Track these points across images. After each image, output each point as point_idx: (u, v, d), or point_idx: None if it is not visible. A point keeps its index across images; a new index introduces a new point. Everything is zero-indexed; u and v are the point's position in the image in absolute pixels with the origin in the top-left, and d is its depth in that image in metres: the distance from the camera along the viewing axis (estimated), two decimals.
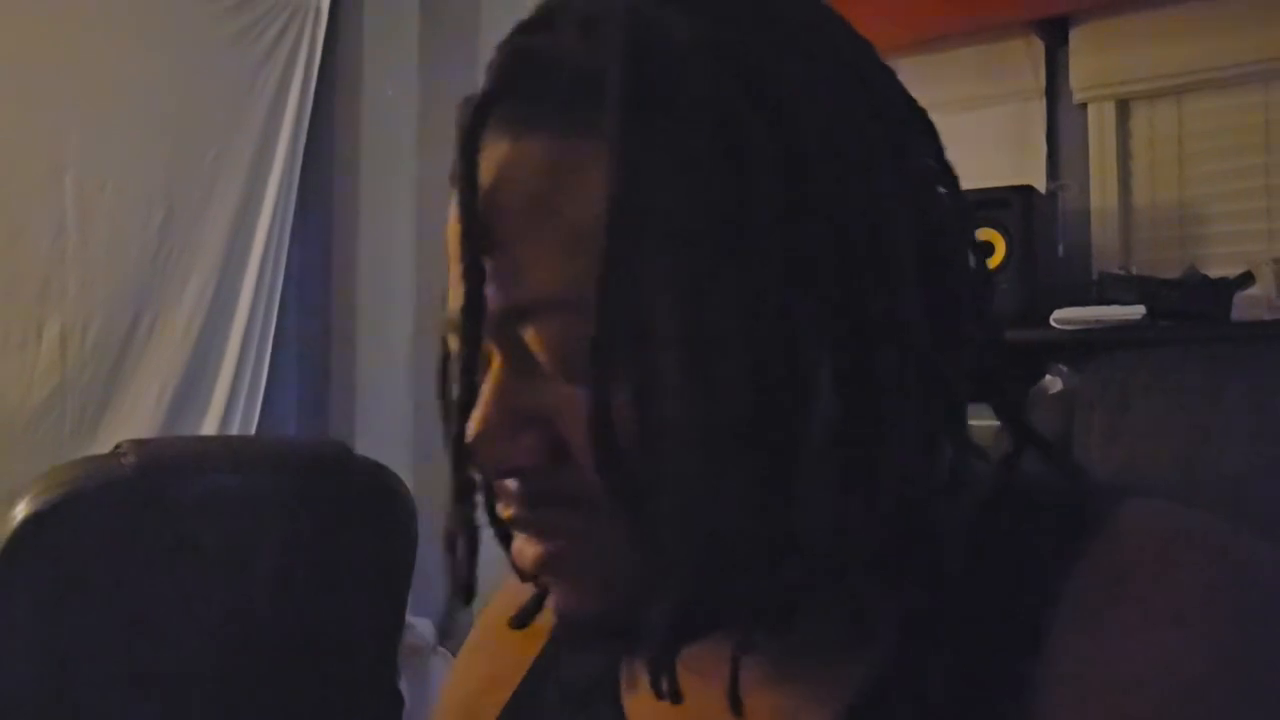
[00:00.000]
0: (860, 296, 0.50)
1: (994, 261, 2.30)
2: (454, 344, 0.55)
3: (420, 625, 2.48)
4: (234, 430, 3.13)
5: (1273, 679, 0.48)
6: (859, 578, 0.54)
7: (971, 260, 0.57)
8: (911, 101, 0.57)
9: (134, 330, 3.00)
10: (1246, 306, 2.14)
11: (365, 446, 1.93)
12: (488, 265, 0.52)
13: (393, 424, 3.07)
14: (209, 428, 3.09)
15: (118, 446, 1.43)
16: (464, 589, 0.58)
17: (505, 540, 0.59)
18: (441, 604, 2.45)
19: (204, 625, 1.47)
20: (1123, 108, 2.52)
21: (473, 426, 0.53)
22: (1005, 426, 0.58)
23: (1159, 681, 0.48)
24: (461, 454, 0.54)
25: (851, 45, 0.56)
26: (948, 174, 0.57)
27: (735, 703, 0.53)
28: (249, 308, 3.18)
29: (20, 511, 1.32)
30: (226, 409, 3.14)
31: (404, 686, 1.90)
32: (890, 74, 0.57)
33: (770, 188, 0.49)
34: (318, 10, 3.29)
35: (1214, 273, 2.22)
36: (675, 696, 0.52)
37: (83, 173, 2.90)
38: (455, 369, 0.55)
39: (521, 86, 0.52)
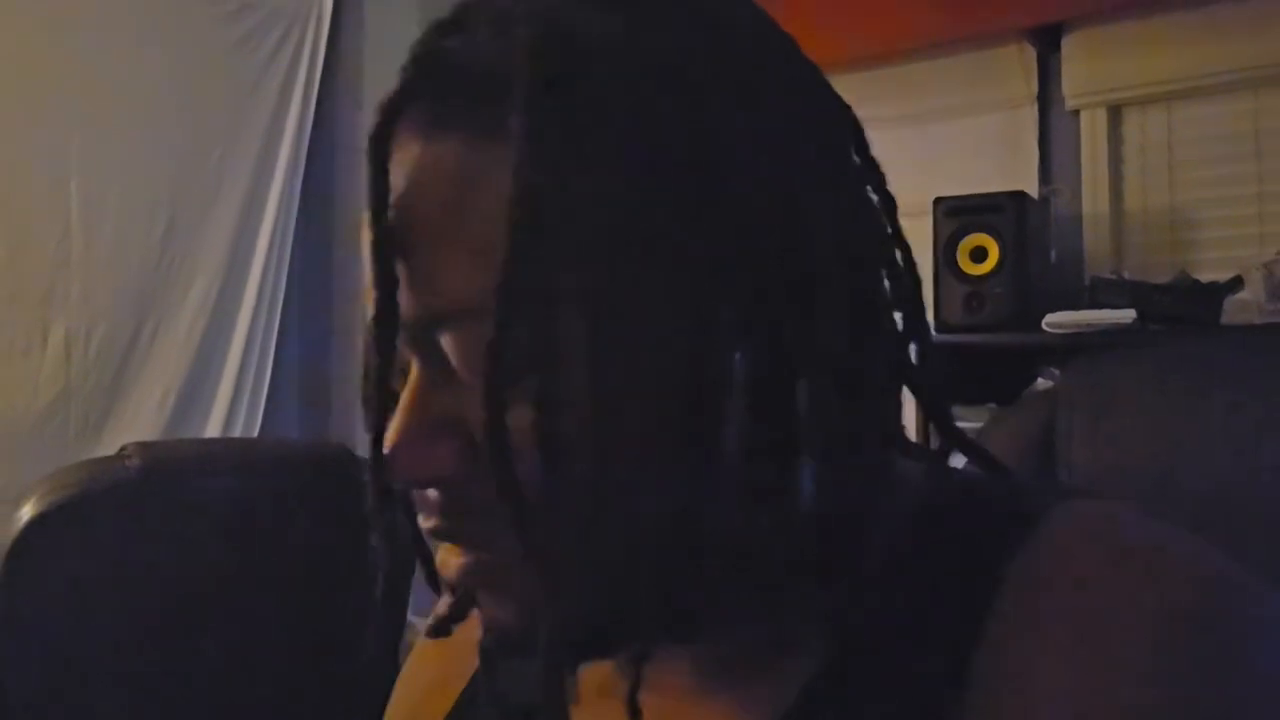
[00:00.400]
0: (776, 303, 0.49)
1: (987, 266, 2.31)
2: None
3: (421, 624, 2.48)
4: (237, 433, 3.14)
5: (1187, 689, 0.46)
6: (784, 586, 0.52)
7: (897, 258, 0.56)
8: (834, 98, 0.56)
9: (138, 335, 3.01)
10: (1237, 310, 2.15)
11: (366, 448, 1.93)
12: (402, 271, 0.50)
13: None
14: (212, 430, 3.10)
15: (122, 449, 1.44)
16: (396, 600, 0.57)
17: (426, 559, 0.57)
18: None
19: (207, 624, 1.47)
20: (1114, 114, 2.53)
21: (391, 435, 0.51)
22: (936, 427, 0.58)
23: (1074, 693, 0.46)
24: (380, 464, 0.52)
25: (772, 41, 0.55)
26: (873, 171, 0.56)
27: (634, 711, 0.52)
28: (252, 312, 3.19)
29: (26, 513, 1.32)
30: (229, 412, 3.15)
31: None
32: (813, 70, 0.55)
33: (679, 193, 0.48)
34: (319, 17, 3.30)
35: (1205, 277, 2.24)
36: (562, 714, 0.50)
37: (87, 179, 2.91)
38: (371, 377, 0.53)
39: (433, 87, 0.51)
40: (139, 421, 2.98)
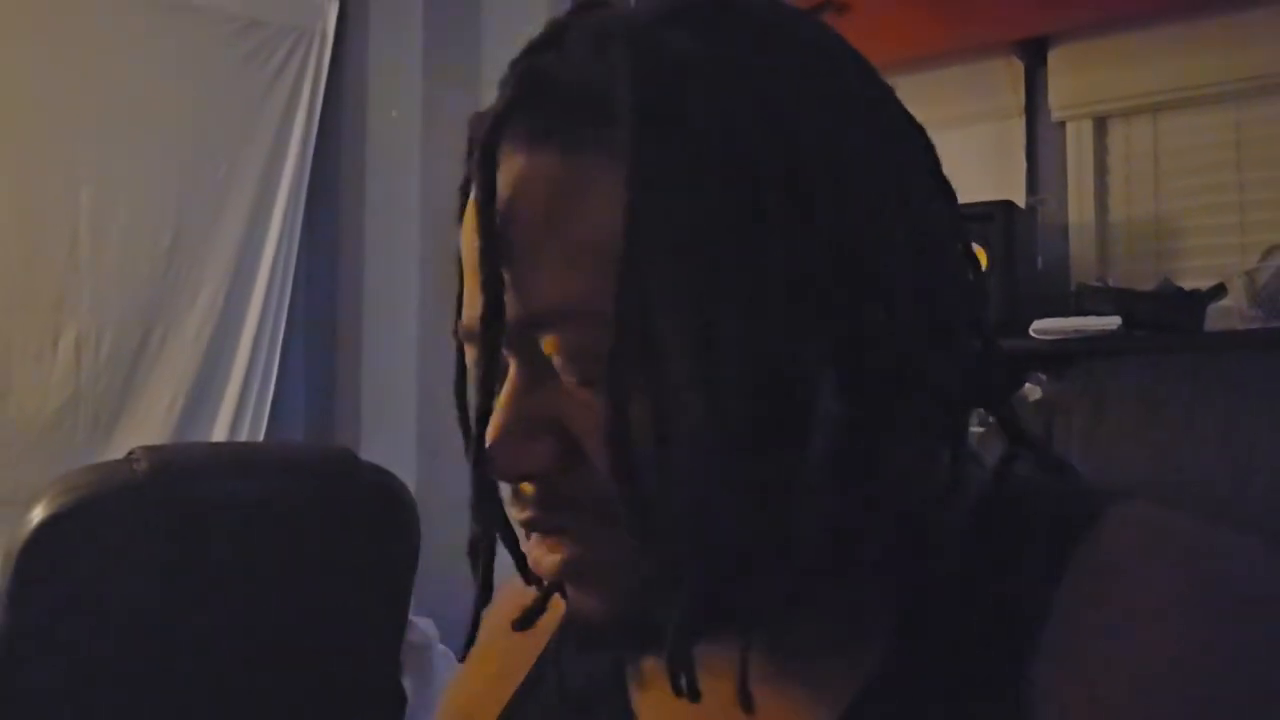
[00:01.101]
0: (860, 309, 0.51)
1: None
2: (470, 353, 0.55)
3: (422, 624, 2.47)
4: (243, 437, 3.16)
5: (1246, 676, 0.48)
6: (860, 578, 0.55)
7: (967, 272, 0.58)
8: (909, 118, 0.58)
9: (146, 340, 3.03)
10: (1219, 317, 2.15)
11: (370, 452, 1.96)
12: (505, 276, 0.52)
13: (397, 430, 3.09)
14: (219, 434, 3.12)
15: (131, 452, 1.45)
16: (484, 590, 0.59)
17: (516, 549, 0.60)
18: (443, 603, 2.46)
19: (214, 625, 1.48)
20: (1100, 125, 2.54)
21: (491, 433, 0.53)
22: (1000, 431, 0.59)
23: (1137, 681, 0.48)
24: (481, 459, 0.54)
25: (852, 64, 0.57)
26: (944, 188, 0.58)
27: (746, 699, 0.52)
28: (257, 319, 3.21)
29: (37, 515, 1.33)
30: (236, 416, 3.16)
31: (407, 683, 1.92)
32: (889, 91, 0.58)
33: (772, 204, 0.50)
34: (324, 33, 3.32)
35: (1188, 285, 2.24)
36: (695, 695, 0.51)
37: (97, 189, 2.94)
38: (473, 377, 0.55)
39: (534, 103, 0.53)
40: (147, 425, 3.00)
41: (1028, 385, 2.23)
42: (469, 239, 0.53)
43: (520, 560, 0.60)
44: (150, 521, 1.42)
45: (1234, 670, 0.48)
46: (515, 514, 0.57)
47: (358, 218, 3.38)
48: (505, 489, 0.58)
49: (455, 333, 0.58)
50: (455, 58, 3.09)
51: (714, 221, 0.50)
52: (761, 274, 0.50)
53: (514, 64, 0.55)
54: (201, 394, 3.13)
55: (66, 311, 2.92)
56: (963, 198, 2.06)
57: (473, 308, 0.54)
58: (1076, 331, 2.20)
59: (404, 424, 3.10)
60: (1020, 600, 0.52)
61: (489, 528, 0.58)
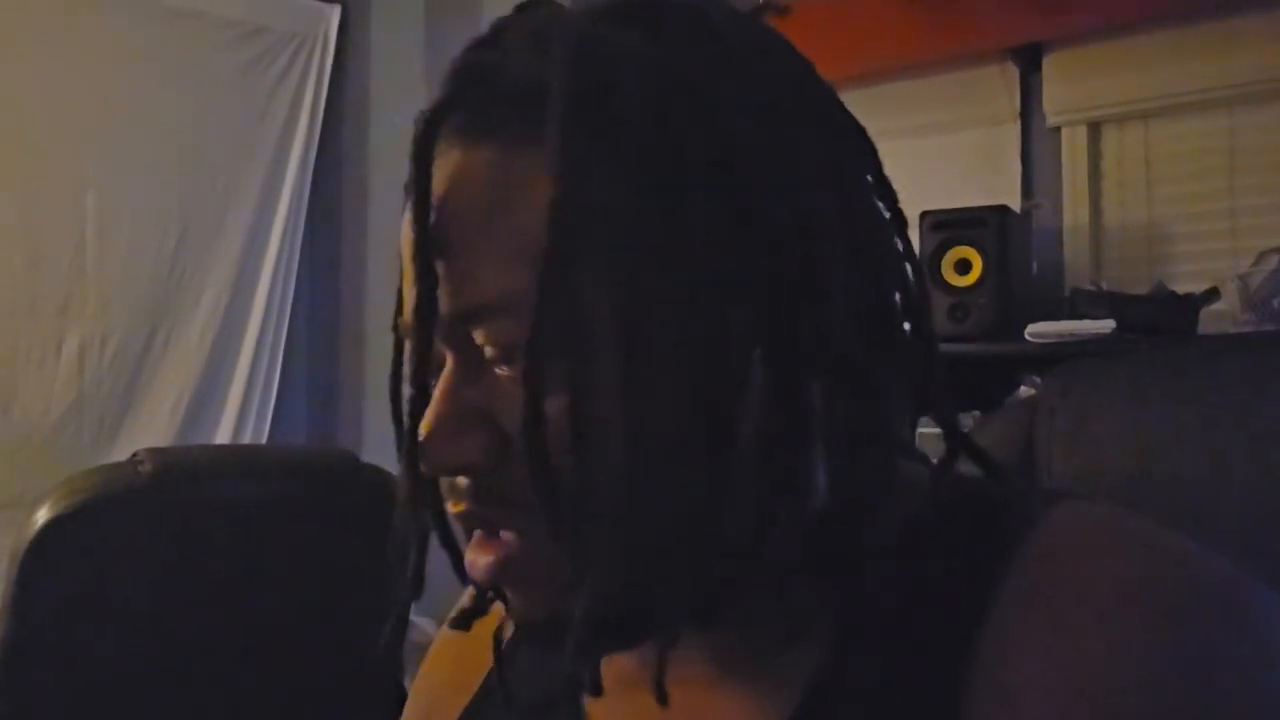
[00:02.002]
0: (793, 306, 0.50)
1: (971, 278, 2.34)
2: (407, 347, 0.55)
3: (423, 624, 2.50)
4: (246, 439, 3.18)
5: (1190, 680, 0.46)
6: (794, 580, 0.54)
7: (909, 272, 0.57)
8: (851, 119, 0.57)
9: (150, 345, 3.06)
10: (1211, 321, 2.16)
11: (371, 454, 1.97)
12: (440, 270, 0.52)
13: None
14: (222, 437, 3.14)
15: (135, 455, 1.45)
16: (414, 585, 0.58)
17: (453, 550, 0.59)
18: (443, 603, 2.48)
19: (216, 625, 1.48)
20: (1093, 131, 2.55)
21: (424, 426, 0.52)
22: (942, 433, 0.58)
23: (1075, 683, 0.47)
24: (413, 453, 0.54)
25: (792, 64, 0.57)
26: (886, 189, 0.57)
27: (661, 696, 0.52)
28: (260, 323, 3.23)
29: (42, 516, 1.33)
30: (239, 420, 3.19)
31: (408, 683, 1.93)
32: (831, 92, 0.57)
33: (705, 200, 0.49)
34: (325, 39, 3.34)
35: (1181, 289, 2.25)
36: (597, 690, 0.51)
37: (102, 194, 2.96)
38: (408, 371, 0.54)
39: (472, 98, 0.53)
40: (151, 428, 3.03)
41: (1022, 388, 2.24)
42: (406, 234, 0.53)
43: (456, 557, 0.59)
44: (154, 523, 1.43)
45: (1166, 685, 0.46)
46: (450, 508, 0.56)
47: (360, 222, 3.40)
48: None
49: (394, 328, 0.58)
50: None
51: (643, 216, 0.50)
52: (691, 269, 0.50)
53: (454, 61, 0.55)
54: (205, 397, 3.16)
55: (71, 316, 2.94)
56: (958, 202, 2.09)
57: (410, 302, 0.53)
58: (1071, 335, 2.21)
59: None
60: (957, 607, 0.51)
61: (422, 522, 0.58)
